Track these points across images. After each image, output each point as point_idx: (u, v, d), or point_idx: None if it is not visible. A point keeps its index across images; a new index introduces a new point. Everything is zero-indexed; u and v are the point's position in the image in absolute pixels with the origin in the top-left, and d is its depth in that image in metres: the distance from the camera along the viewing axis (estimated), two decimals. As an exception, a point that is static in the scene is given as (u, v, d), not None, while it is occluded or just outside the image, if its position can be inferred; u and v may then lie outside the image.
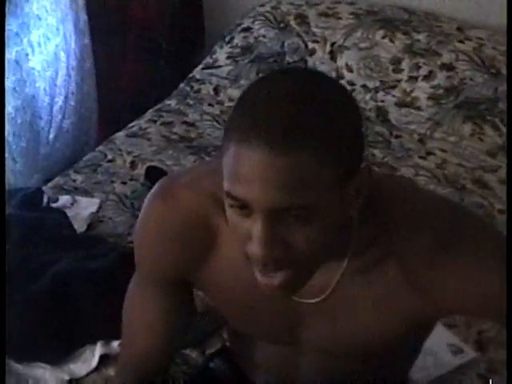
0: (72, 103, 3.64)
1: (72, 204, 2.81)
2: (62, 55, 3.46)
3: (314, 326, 1.43)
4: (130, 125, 3.40)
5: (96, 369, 2.16)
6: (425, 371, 2.11)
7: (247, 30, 3.65)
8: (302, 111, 1.13)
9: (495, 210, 2.84)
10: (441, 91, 3.28)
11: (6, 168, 3.15)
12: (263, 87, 1.20)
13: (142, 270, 1.53)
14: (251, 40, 3.59)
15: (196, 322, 2.12)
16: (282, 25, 3.60)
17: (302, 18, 3.59)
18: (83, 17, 3.59)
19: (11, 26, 3.08)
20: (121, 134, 3.35)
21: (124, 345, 1.66)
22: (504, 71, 3.22)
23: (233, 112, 1.19)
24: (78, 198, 2.87)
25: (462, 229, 1.32)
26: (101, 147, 3.28)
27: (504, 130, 3.16)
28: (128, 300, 1.60)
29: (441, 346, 2.20)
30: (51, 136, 3.58)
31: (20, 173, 3.31)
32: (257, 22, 3.64)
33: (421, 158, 3.15)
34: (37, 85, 3.33)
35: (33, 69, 3.28)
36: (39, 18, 3.26)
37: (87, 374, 2.15)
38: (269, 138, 1.11)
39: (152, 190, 1.46)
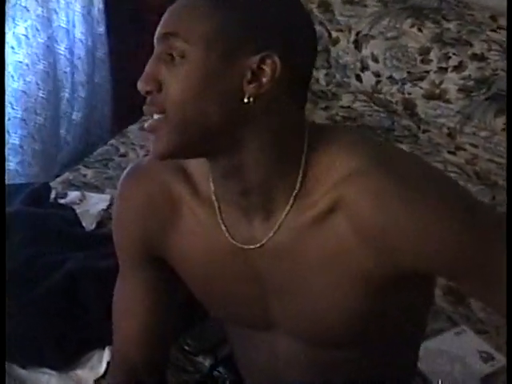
0: (82, 95, 3.63)
1: (81, 200, 2.80)
2: (62, 46, 3.43)
3: (274, 294, 1.45)
4: (144, 118, 3.37)
5: (104, 376, 2.13)
6: (452, 378, 2.11)
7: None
8: None
9: (529, 208, 2.79)
10: (471, 83, 3.25)
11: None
12: None
13: (120, 253, 1.61)
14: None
15: (208, 329, 2.11)
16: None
17: (325, 6, 3.57)
18: (98, 5, 3.58)
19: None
20: (134, 127, 3.34)
21: (114, 334, 1.68)
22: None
23: None
24: (87, 193, 2.87)
25: (417, 176, 1.32)
26: (113, 141, 3.28)
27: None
28: (115, 291, 1.66)
29: (470, 352, 2.18)
30: (62, 130, 3.57)
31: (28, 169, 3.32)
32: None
33: (450, 153, 3.13)
34: (27, 79, 3.31)
35: (20, 62, 3.27)
36: (27, 10, 3.25)
37: (95, 381, 2.13)
38: None
39: (125, 171, 1.58)
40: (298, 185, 1.34)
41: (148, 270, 1.57)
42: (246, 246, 1.41)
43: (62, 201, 2.77)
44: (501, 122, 3.17)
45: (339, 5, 3.54)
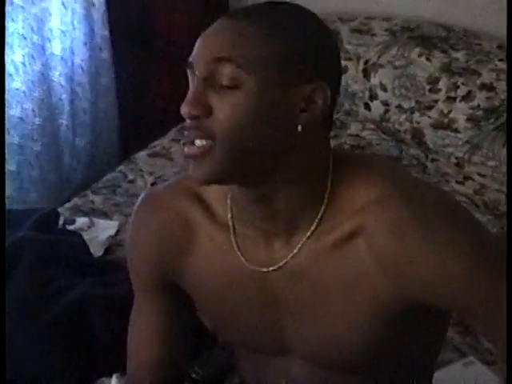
0: (85, 121, 3.63)
1: (89, 226, 2.81)
2: (56, 74, 3.45)
3: (289, 318, 1.45)
4: (152, 144, 3.40)
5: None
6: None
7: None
8: (271, 6, 1.33)
9: (537, 239, 2.79)
10: (480, 112, 3.25)
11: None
12: None
13: (134, 280, 1.61)
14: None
15: (216, 357, 2.11)
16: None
17: (334, 35, 3.54)
18: (101, 32, 3.59)
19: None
20: (142, 153, 3.35)
21: (128, 361, 1.68)
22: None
23: None
24: (95, 220, 2.87)
25: (436, 208, 1.33)
26: (121, 167, 3.29)
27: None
28: (130, 319, 1.65)
29: (478, 382, 2.16)
30: (66, 157, 3.58)
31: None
32: (286, 38, 3.61)
33: (458, 182, 3.13)
34: (24, 106, 3.33)
35: (17, 89, 3.28)
36: (24, 38, 3.26)
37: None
38: (232, 13, 1.31)
39: (139, 198, 1.58)
40: (321, 211, 1.35)
41: (162, 296, 1.57)
42: (264, 269, 1.41)
43: (70, 227, 2.78)
44: (509, 152, 3.17)
45: (347, 33, 3.56)
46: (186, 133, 1.30)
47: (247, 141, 1.27)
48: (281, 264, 1.40)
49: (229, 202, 1.43)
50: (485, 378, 2.18)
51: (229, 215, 1.43)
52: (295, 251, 1.38)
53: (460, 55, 3.36)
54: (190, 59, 1.30)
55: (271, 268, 1.41)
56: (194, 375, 2.18)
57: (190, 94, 1.28)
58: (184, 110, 1.27)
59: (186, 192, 1.47)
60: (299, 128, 1.29)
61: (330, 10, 3.68)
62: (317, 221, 1.36)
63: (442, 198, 1.40)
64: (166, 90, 3.87)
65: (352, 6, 3.70)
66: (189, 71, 1.31)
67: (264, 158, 1.30)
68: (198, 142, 1.28)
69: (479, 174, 3.16)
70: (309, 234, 1.37)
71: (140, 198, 1.57)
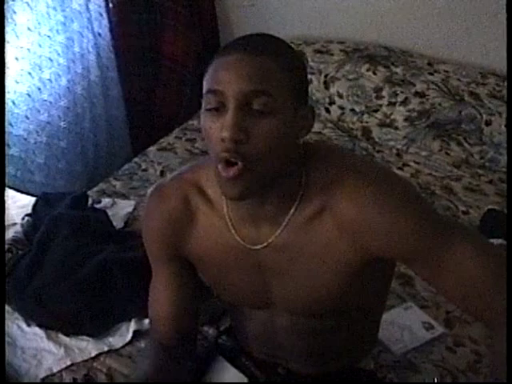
0: (103, 124, 3.63)
1: (112, 205, 2.79)
2: (79, 88, 3.42)
3: (274, 282, 1.44)
4: (160, 141, 3.39)
5: (130, 342, 2.12)
6: (402, 343, 2.10)
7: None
8: (266, 41, 1.28)
9: (459, 211, 2.81)
10: (415, 114, 3.24)
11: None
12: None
13: (150, 255, 1.58)
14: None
15: (212, 304, 2.10)
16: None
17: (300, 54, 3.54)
18: (107, 55, 3.59)
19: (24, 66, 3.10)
20: (152, 148, 3.33)
21: (150, 314, 1.65)
22: (466, 99, 3.17)
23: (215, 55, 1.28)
24: (117, 200, 2.85)
25: (386, 182, 1.32)
26: (136, 159, 3.26)
27: (466, 146, 3.12)
28: (151, 284, 1.62)
29: (415, 323, 2.18)
30: (89, 152, 3.57)
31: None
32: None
33: (398, 168, 3.11)
34: (51, 113, 3.30)
35: (45, 100, 3.25)
36: (51, 60, 3.24)
37: (123, 346, 2.12)
38: (243, 46, 1.23)
39: (150, 188, 1.56)
40: (299, 196, 1.34)
41: (173, 264, 1.54)
42: (254, 247, 1.40)
43: (97, 206, 2.75)
44: (437, 144, 3.16)
45: (311, 53, 3.53)
46: (223, 153, 1.23)
47: (277, 160, 1.25)
48: (268, 242, 1.38)
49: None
50: (420, 318, 2.19)
51: (224, 205, 1.41)
52: (278, 233, 1.37)
53: (399, 70, 3.34)
54: (217, 88, 1.22)
55: (260, 246, 1.39)
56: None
57: (231, 121, 1.20)
58: (228, 134, 1.19)
59: (189, 184, 1.45)
60: (300, 141, 1.31)
61: (297, 35, 3.67)
62: (296, 204, 1.34)
63: (391, 174, 1.38)
64: (169, 99, 3.85)
65: (314, 32, 3.67)
66: (212, 97, 1.23)
67: (282, 172, 1.29)
68: (238, 165, 1.22)
69: (414, 162, 3.15)
70: (289, 216, 1.35)
71: (152, 189, 1.54)
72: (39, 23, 3.12)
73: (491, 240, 2.30)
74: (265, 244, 1.39)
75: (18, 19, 3.01)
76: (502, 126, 3.06)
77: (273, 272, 1.43)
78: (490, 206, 2.77)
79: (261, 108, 1.20)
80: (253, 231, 1.40)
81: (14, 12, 2.97)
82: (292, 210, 1.35)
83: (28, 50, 3.09)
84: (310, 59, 3.51)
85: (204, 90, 1.26)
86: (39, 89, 3.20)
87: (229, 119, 1.20)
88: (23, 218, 2.63)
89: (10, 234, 2.54)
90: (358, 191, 1.29)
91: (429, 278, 1.36)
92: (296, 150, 1.31)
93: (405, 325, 2.16)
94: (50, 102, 3.28)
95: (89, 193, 2.85)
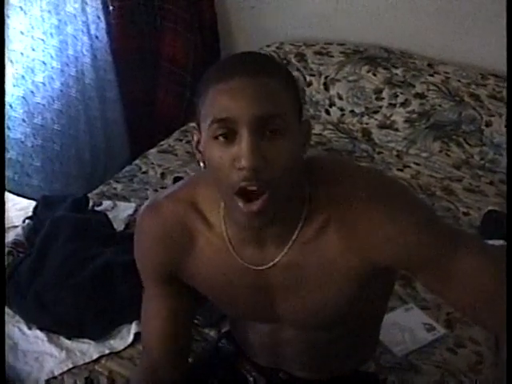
0: (98, 126, 3.63)
1: (113, 207, 2.78)
2: (73, 91, 3.42)
3: (280, 299, 1.41)
4: (161, 143, 3.38)
5: (131, 344, 2.13)
6: (403, 345, 2.11)
7: (256, 66, 3.60)
8: (261, 61, 1.23)
9: (460, 212, 2.80)
10: (415, 115, 3.24)
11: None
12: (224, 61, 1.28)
13: (143, 273, 1.53)
14: (259, 74, 3.53)
15: (213, 307, 2.09)
16: (284, 61, 3.55)
17: (301, 56, 3.55)
18: (104, 58, 3.59)
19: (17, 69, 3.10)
20: (153, 150, 3.33)
21: (142, 342, 1.65)
22: (466, 99, 3.17)
23: (203, 80, 1.23)
24: (117, 202, 2.84)
25: (388, 194, 1.31)
26: (137, 161, 3.25)
27: (466, 147, 3.12)
28: (142, 308, 1.59)
29: (416, 324, 2.18)
30: (86, 154, 3.58)
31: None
32: (264, 60, 3.59)
33: (399, 170, 3.11)
34: (44, 116, 3.30)
35: (38, 103, 3.26)
36: (44, 63, 3.24)
37: (124, 349, 2.12)
38: (242, 69, 1.18)
39: (142, 206, 1.49)
40: (303, 216, 1.31)
41: (167, 287, 1.50)
42: (258, 268, 1.36)
43: (97, 208, 2.75)
44: (437, 145, 3.16)
45: (311, 55, 3.53)
46: (242, 184, 1.17)
47: (292, 180, 1.23)
48: (274, 262, 1.35)
49: (221, 212, 1.36)
50: (421, 319, 2.20)
51: (223, 225, 1.36)
52: (283, 253, 1.33)
53: (399, 71, 3.34)
54: (227, 115, 1.15)
55: (265, 266, 1.35)
56: (195, 321, 2.17)
57: (248, 148, 1.14)
58: (248, 163, 1.14)
59: (184, 201, 1.38)
60: (304, 157, 1.28)
61: (297, 37, 3.68)
62: (301, 224, 1.31)
63: (395, 185, 1.38)
64: (169, 101, 3.85)
65: (315, 34, 3.67)
66: (221, 126, 1.17)
67: (293, 189, 1.26)
68: (260, 200, 1.18)
69: (415, 163, 3.15)
70: (295, 235, 1.32)
71: (144, 206, 1.48)
72: (32, 27, 3.13)
73: (492, 241, 2.30)
74: (270, 264, 1.35)
75: (12, 23, 3.01)
76: (502, 127, 3.06)
77: (279, 290, 1.40)
78: (490, 207, 2.77)
79: (274, 130, 1.16)
80: (256, 252, 1.35)
81: (8, 16, 2.98)
82: (298, 228, 1.31)
83: (21, 53, 3.10)
84: (310, 61, 3.51)
85: (207, 120, 1.19)
86: (32, 92, 3.20)
87: (245, 147, 1.14)
88: (24, 221, 2.64)
89: (10, 237, 2.54)
90: (364, 203, 1.27)
91: (436, 287, 1.36)
92: (301, 167, 1.28)
93: (406, 326, 2.16)
94: (43, 105, 3.28)
95: (89, 195, 2.85)
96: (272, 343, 1.56)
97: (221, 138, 1.18)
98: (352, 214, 1.27)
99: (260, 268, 1.36)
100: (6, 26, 2.98)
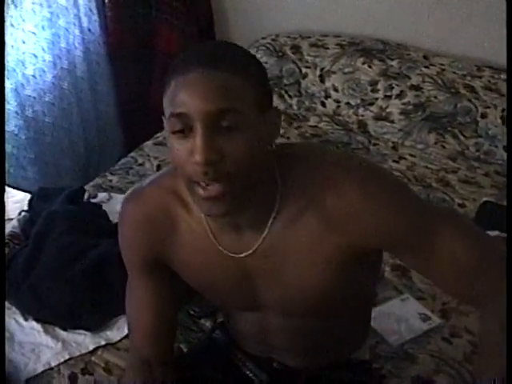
0: (91, 119, 3.64)
1: (108, 199, 2.78)
2: (65, 83, 3.42)
3: (262, 286, 1.41)
4: (156, 135, 3.38)
5: (127, 335, 2.09)
6: (399, 334, 2.11)
7: (252, 58, 3.60)
8: (224, 50, 1.22)
9: (455, 203, 2.81)
10: (410, 107, 3.25)
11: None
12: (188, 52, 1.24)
13: (128, 262, 1.55)
14: (255, 66, 3.53)
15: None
16: (280, 53, 3.57)
17: (296, 48, 3.56)
18: (97, 50, 3.60)
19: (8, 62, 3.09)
20: (149, 142, 3.33)
21: (129, 330, 1.65)
22: (462, 91, 3.18)
23: (168, 71, 1.23)
24: (113, 194, 2.84)
25: (369, 176, 1.30)
26: (133, 153, 3.26)
27: (462, 138, 3.12)
28: (126, 297, 1.61)
29: (412, 314, 2.19)
30: (79, 147, 3.58)
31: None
32: (259, 52, 3.60)
33: (394, 161, 3.11)
34: (35, 108, 3.30)
35: (29, 96, 3.26)
36: (35, 56, 3.24)
37: (120, 340, 2.12)
38: (200, 61, 1.17)
39: (125, 194, 1.52)
40: (278, 201, 1.31)
41: (152, 275, 1.51)
42: (237, 255, 1.37)
43: (93, 200, 2.75)
44: (433, 137, 3.17)
45: (307, 47, 3.54)
46: (201, 176, 1.18)
47: (254, 172, 1.22)
48: (253, 249, 1.35)
49: None
50: (416, 309, 2.20)
51: (202, 213, 1.36)
52: (261, 240, 1.34)
53: (394, 63, 3.35)
54: (181, 111, 1.16)
55: (244, 254, 1.36)
56: (191, 312, 2.17)
57: (201, 143, 1.15)
58: (201, 158, 1.15)
59: (167, 189, 1.39)
60: (273, 146, 1.26)
61: (292, 29, 3.69)
62: (274, 214, 1.31)
63: (372, 165, 1.37)
64: (162, 92, 3.84)
65: (310, 26, 3.67)
66: (178, 121, 1.18)
67: (259, 180, 1.25)
68: (213, 186, 1.19)
69: (410, 155, 3.15)
70: (271, 221, 1.32)
71: (127, 195, 1.50)
72: (23, 20, 3.12)
73: (487, 232, 2.31)
74: (249, 252, 1.35)
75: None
76: (498, 119, 3.07)
77: (260, 277, 1.40)
78: (485, 198, 2.78)
79: (229, 125, 1.16)
80: (234, 239, 1.36)
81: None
82: (273, 215, 1.31)
83: (11, 46, 3.10)
84: (305, 53, 3.53)
85: (166, 113, 1.21)
86: (22, 85, 3.20)
87: (199, 142, 1.15)
88: (20, 214, 2.64)
89: (6, 229, 2.54)
90: (341, 186, 1.26)
91: (419, 266, 1.37)
92: (269, 156, 1.27)
93: (401, 316, 2.16)
94: (34, 98, 3.28)
95: (85, 187, 2.85)
96: (261, 332, 1.57)
97: (179, 133, 1.19)
98: (331, 196, 1.27)
99: (239, 256, 1.37)
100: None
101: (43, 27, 3.23)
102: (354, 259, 1.33)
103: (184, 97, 1.16)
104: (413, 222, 1.30)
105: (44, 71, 3.29)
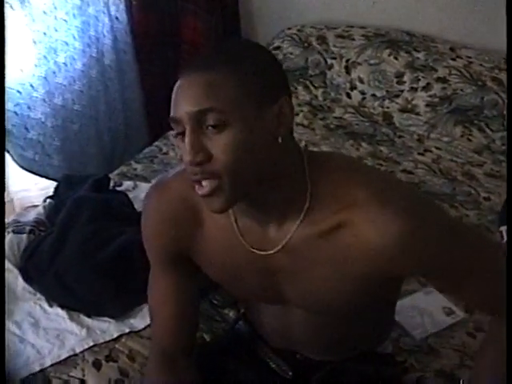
0: (118, 107, 3.64)
1: (133, 188, 2.80)
2: (94, 72, 3.43)
3: (286, 283, 1.41)
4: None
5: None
6: (422, 328, 2.11)
7: (277, 48, 3.61)
8: (222, 50, 1.25)
9: (481, 197, 2.80)
10: (436, 100, 3.23)
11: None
12: None
13: (150, 256, 1.56)
14: (280, 56, 3.53)
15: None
16: (305, 44, 3.56)
17: (322, 39, 3.55)
18: (124, 39, 3.59)
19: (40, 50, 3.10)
20: (173, 132, 3.30)
21: (151, 322, 1.66)
22: (489, 84, 3.16)
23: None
24: (138, 183, 2.86)
25: (407, 206, 1.27)
26: (157, 142, 3.27)
27: (488, 132, 3.10)
28: (148, 288, 1.61)
29: (436, 307, 2.18)
30: (107, 135, 3.59)
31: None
32: (285, 42, 3.60)
33: (419, 154, 3.10)
34: (65, 96, 3.31)
35: (59, 84, 3.27)
36: (67, 44, 3.25)
37: (144, 328, 2.13)
38: (192, 67, 1.22)
39: (150, 185, 1.52)
40: (306, 205, 1.30)
41: (174, 267, 1.52)
42: (262, 252, 1.37)
43: (118, 188, 2.76)
44: (459, 130, 3.15)
45: (333, 38, 3.53)
46: (193, 176, 1.22)
47: (247, 169, 1.21)
48: (277, 248, 1.35)
49: None
50: (440, 303, 2.19)
51: None
52: (288, 237, 1.33)
53: (420, 55, 3.33)
54: (173, 115, 1.21)
55: (270, 252, 1.36)
56: (214, 301, 2.18)
57: (188, 145, 1.18)
58: (187, 159, 1.18)
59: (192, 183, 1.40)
60: (280, 140, 1.24)
61: (319, 21, 3.67)
62: (303, 213, 1.31)
63: (412, 195, 1.36)
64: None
65: (336, 18, 3.66)
66: (174, 125, 1.22)
67: (260, 175, 1.24)
68: (206, 183, 1.22)
69: (436, 148, 3.14)
70: (298, 223, 1.31)
71: (151, 187, 1.51)
72: (55, 7, 3.13)
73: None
74: (275, 249, 1.35)
75: (34, 2, 3.03)
76: (525, 113, 3.05)
77: (284, 275, 1.40)
78: (511, 193, 2.76)
79: (214, 124, 1.17)
80: (260, 236, 1.36)
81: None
82: (301, 217, 1.31)
83: (44, 33, 3.11)
84: (331, 44, 3.51)
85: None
86: (54, 72, 3.22)
87: (187, 143, 1.18)
88: (45, 200, 2.65)
89: (31, 216, 2.56)
90: (378, 214, 1.24)
91: (448, 289, 1.43)
92: (278, 149, 1.24)
93: (425, 309, 2.16)
94: (65, 86, 3.29)
95: (110, 176, 2.86)
96: (283, 325, 1.57)
97: (179, 135, 1.23)
98: (368, 225, 1.25)
99: (264, 253, 1.37)
100: (29, 6, 2.99)
101: (74, 15, 3.24)
102: (385, 279, 1.34)
103: (174, 101, 1.21)
104: (451, 249, 1.30)
105: (74, 59, 3.31)
